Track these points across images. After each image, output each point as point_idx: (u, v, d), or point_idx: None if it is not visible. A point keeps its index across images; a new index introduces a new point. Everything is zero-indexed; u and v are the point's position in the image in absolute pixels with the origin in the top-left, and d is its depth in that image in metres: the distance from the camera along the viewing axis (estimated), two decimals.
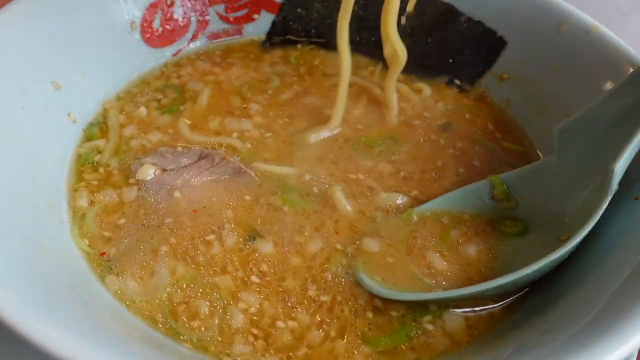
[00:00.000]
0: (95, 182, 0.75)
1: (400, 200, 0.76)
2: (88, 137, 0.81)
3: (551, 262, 0.64)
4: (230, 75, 0.92)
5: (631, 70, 0.75)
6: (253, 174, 0.77)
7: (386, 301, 0.66)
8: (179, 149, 0.79)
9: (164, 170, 0.76)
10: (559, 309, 0.61)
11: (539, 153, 0.85)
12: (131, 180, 0.75)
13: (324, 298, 0.66)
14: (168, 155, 0.78)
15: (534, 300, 0.67)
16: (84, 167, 0.77)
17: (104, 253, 0.68)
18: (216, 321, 0.64)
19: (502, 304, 0.68)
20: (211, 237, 0.70)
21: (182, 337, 0.62)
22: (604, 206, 0.64)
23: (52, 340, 0.48)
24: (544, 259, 0.63)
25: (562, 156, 0.73)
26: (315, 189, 0.76)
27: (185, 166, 0.77)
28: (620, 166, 0.64)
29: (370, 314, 0.65)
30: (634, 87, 0.69)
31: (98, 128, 0.82)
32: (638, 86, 0.68)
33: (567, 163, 0.72)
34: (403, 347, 0.63)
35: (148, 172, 0.75)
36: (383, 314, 0.66)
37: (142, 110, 0.85)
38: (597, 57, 0.80)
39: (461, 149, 0.84)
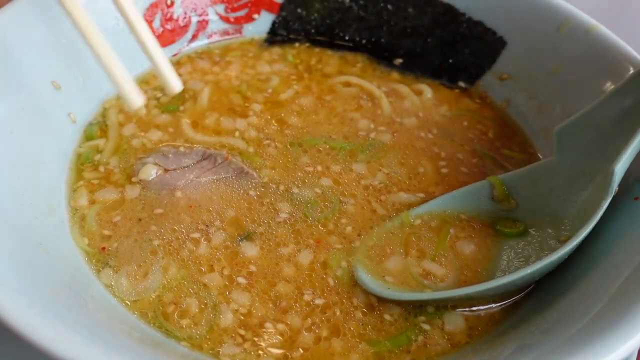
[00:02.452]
0: (95, 181, 0.75)
1: (402, 200, 0.76)
2: (88, 136, 0.81)
3: (551, 263, 0.64)
4: (229, 74, 0.92)
5: (631, 70, 0.75)
6: (255, 174, 0.77)
7: (381, 302, 0.66)
8: (182, 149, 0.79)
9: (167, 170, 0.76)
10: (559, 308, 0.61)
11: (540, 157, 0.84)
12: (134, 179, 0.75)
13: (318, 301, 0.66)
14: (170, 156, 0.78)
15: (535, 299, 0.67)
16: (84, 166, 0.77)
17: (104, 248, 0.69)
18: (203, 321, 0.64)
19: (502, 304, 0.68)
20: (204, 235, 0.71)
21: (177, 336, 0.62)
22: (604, 207, 0.64)
23: (51, 340, 0.48)
24: (543, 260, 0.63)
25: (562, 157, 0.73)
26: (315, 193, 0.76)
27: (187, 167, 0.77)
28: (621, 167, 0.64)
29: (362, 315, 0.65)
30: (634, 88, 0.69)
31: (97, 127, 0.82)
32: (637, 87, 0.68)
33: (567, 164, 0.72)
34: (397, 350, 0.63)
35: (150, 172, 0.75)
36: (377, 315, 0.65)
37: (141, 109, 0.85)
38: (597, 57, 0.80)
39: (459, 154, 0.84)
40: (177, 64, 0.93)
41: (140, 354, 0.55)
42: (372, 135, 0.85)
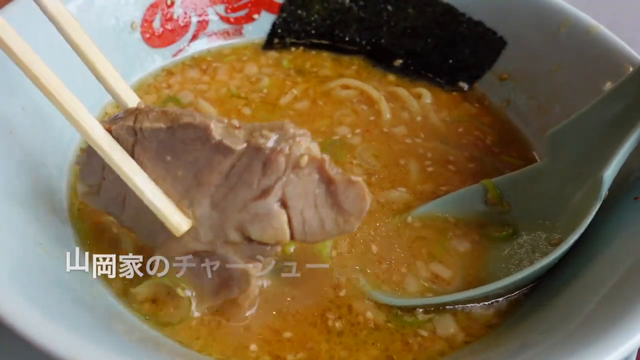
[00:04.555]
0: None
1: (395, 204, 0.76)
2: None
3: (541, 269, 0.65)
4: (219, 81, 0.92)
5: (631, 69, 0.75)
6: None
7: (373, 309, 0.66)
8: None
9: None
10: (559, 308, 0.61)
11: (539, 161, 0.83)
12: None
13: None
14: None
15: (534, 298, 0.67)
16: None
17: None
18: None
19: (506, 298, 0.67)
20: None
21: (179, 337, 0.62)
22: (594, 212, 0.65)
23: (51, 340, 0.48)
24: (533, 265, 0.64)
25: (554, 161, 0.73)
26: None
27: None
28: (610, 174, 0.65)
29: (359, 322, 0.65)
30: (625, 93, 0.69)
31: None
32: (628, 93, 0.68)
33: (559, 168, 0.72)
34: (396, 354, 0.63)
35: None
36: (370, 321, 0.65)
37: None
38: (597, 57, 0.80)
39: (458, 158, 0.83)
40: (167, 74, 0.93)
41: (140, 354, 0.55)
42: (368, 138, 0.84)
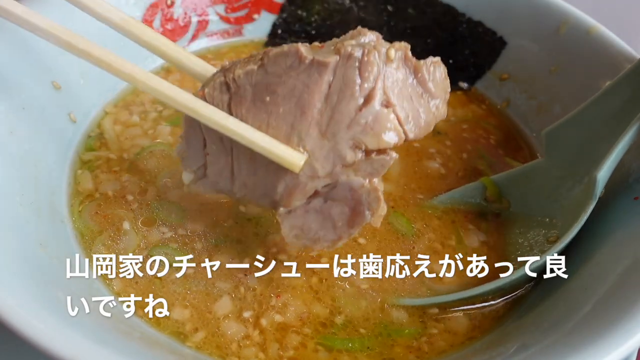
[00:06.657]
0: (96, 182, 0.76)
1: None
2: (87, 148, 0.80)
3: (537, 268, 0.65)
4: None
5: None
6: None
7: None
8: None
9: None
10: (559, 308, 0.62)
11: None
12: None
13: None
14: None
15: (535, 298, 0.67)
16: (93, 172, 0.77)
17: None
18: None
19: (505, 299, 0.68)
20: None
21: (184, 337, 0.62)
22: (589, 211, 0.65)
23: (51, 340, 0.48)
24: (530, 264, 0.64)
25: (551, 159, 0.73)
26: None
27: None
28: (604, 174, 0.65)
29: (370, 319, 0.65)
30: (619, 91, 0.69)
31: (97, 140, 0.81)
32: (623, 91, 0.68)
33: (556, 166, 0.73)
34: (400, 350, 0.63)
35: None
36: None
37: (136, 118, 0.84)
38: (597, 57, 0.80)
39: (457, 156, 0.84)
40: (167, 72, 0.92)
41: (140, 353, 0.55)
42: None
